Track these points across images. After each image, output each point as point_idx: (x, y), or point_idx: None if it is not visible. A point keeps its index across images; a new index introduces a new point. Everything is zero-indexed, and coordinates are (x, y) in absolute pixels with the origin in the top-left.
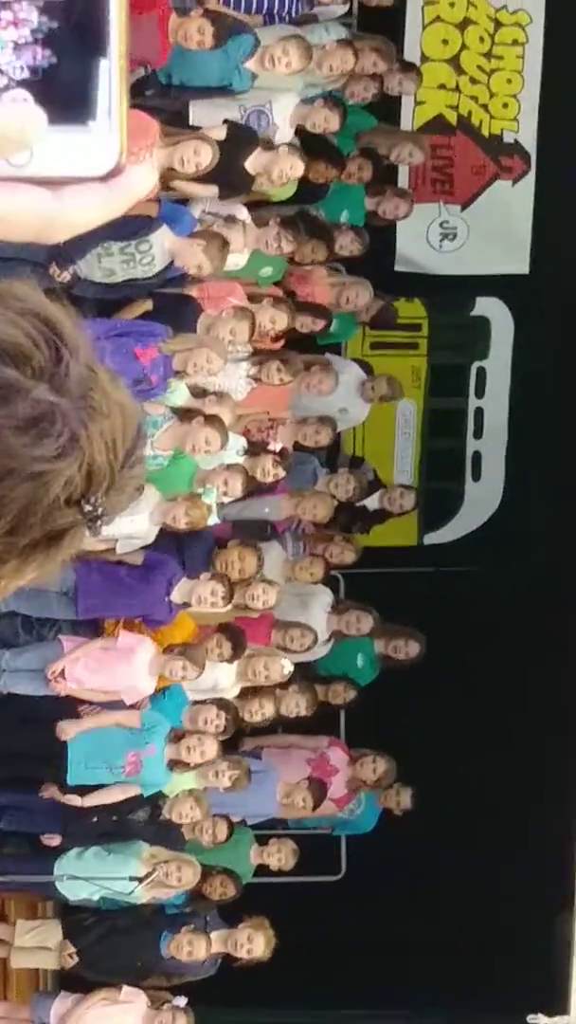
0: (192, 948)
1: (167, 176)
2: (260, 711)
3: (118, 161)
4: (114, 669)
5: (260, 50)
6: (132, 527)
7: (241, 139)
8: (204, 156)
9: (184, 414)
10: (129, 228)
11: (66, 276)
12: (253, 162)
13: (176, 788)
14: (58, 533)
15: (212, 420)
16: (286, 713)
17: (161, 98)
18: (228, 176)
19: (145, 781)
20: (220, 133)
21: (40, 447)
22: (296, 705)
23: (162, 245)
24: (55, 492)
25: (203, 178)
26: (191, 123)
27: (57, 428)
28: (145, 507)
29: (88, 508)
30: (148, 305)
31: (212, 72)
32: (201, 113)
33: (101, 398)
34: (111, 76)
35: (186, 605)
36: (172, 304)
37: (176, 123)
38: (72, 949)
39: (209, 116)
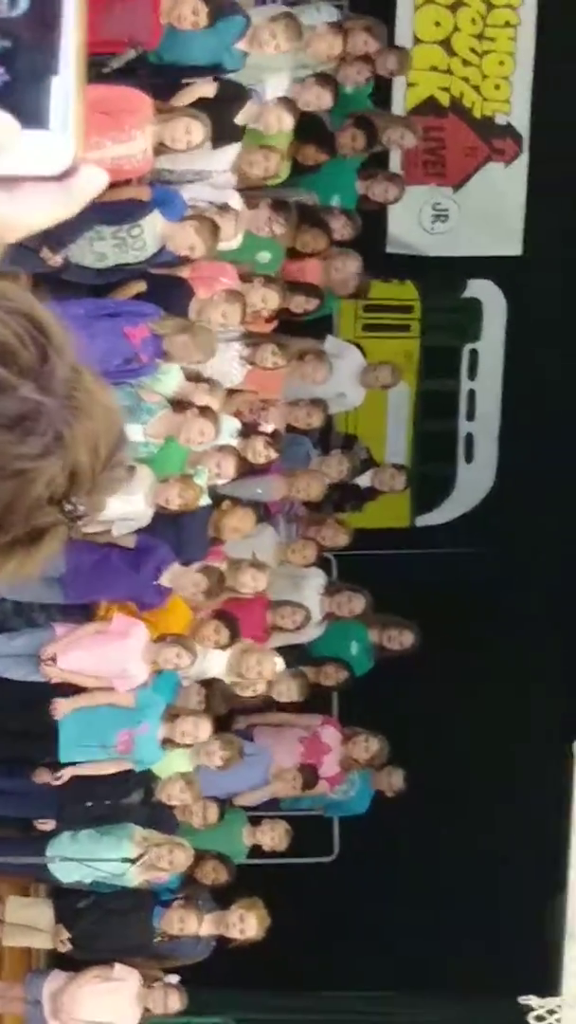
0: (184, 923)
1: (159, 151)
2: (257, 667)
3: (72, 161)
4: (106, 652)
5: (250, 31)
6: (127, 508)
7: (231, 94)
8: (196, 134)
9: (177, 405)
10: (121, 213)
11: (58, 260)
12: (244, 115)
13: (169, 767)
14: (39, 532)
15: (205, 411)
16: (277, 697)
17: (153, 78)
18: (219, 131)
19: (137, 758)
20: (210, 89)
21: (24, 445)
22: (288, 689)
23: (154, 229)
24: (38, 490)
25: None
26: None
27: (42, 427)
28: (140, 488)
29: (70, 508)
30: (141, 286)
31: (203, 52)
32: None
33: (86, 399)
34: (65, 90)
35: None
36: (164, 285)
37: (169, 99)
38: (67, 935)
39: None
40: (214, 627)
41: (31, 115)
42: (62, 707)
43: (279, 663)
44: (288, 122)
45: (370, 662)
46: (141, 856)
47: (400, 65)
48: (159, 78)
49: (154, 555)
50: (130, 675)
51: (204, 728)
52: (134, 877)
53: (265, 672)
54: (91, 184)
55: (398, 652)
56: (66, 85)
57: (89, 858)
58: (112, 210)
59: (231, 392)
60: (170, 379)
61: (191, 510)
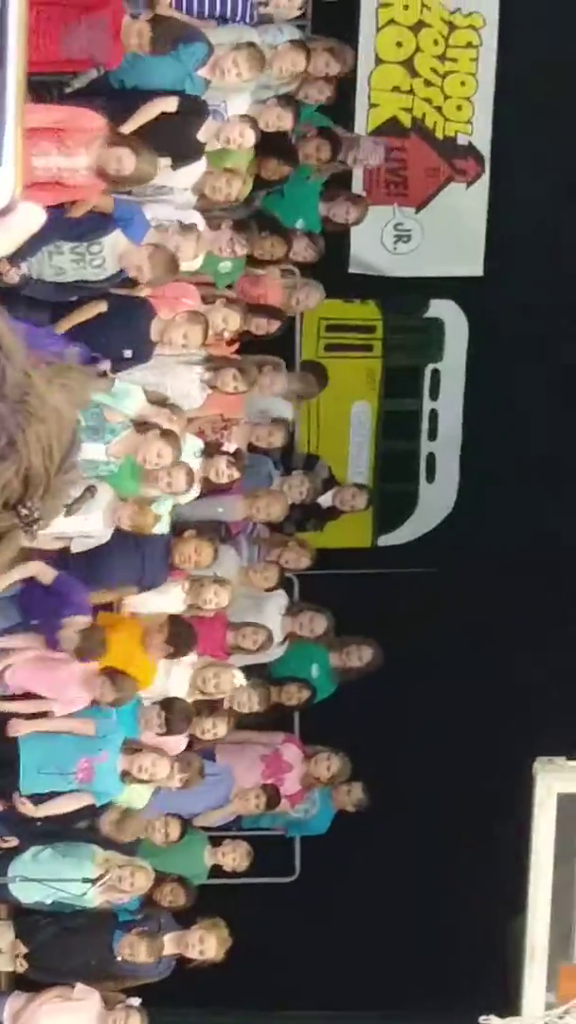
0: (132, 951)
1: (99, 172)
2: (212, 731)
3: (11, 198)
4: (51, 675)
5: (212, 59)
6: (86, 525)
7: (192, 110)
8: (126, 164)
9: (140, 425)
10: (82, 228)
11: (14, 277)
12: (204, 132)
13: (129, 794)
14: None
15: (167, 434)
16: (238, 709)
17: (114, 101)
18: (180, 147)
19: (97, 789)
20: (171, 105)
21: None
22: (248, 699)
23: (114, 249)
24: None
25: (155, 149)
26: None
27: None
28: (98, 506)
29: (24, 512)
30: (102, 307)
31: (164, 79)
32: None
33: (37, 403)
34: (8, 126)
35: None
36: (126, 306)
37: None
38: (23, 950)
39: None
40: (158, 626)
41: None
42: (21, 727)
43: (239, 676)
44: (250, 137)
45: (332, 685)
46: (102, 877)
47: (337, 67)
48: (121, 99)
49: (62, 601)
50: (69, 699)
51: (162, 766)
52: (94, 898)
53: (223, 685)
54: (29, 220)
55: (359, 670)
56: (9, 121)
57: (50, 878)
58: (74, 226)
59: (193, 416)
60: (131, 400)
61: (145, 534)
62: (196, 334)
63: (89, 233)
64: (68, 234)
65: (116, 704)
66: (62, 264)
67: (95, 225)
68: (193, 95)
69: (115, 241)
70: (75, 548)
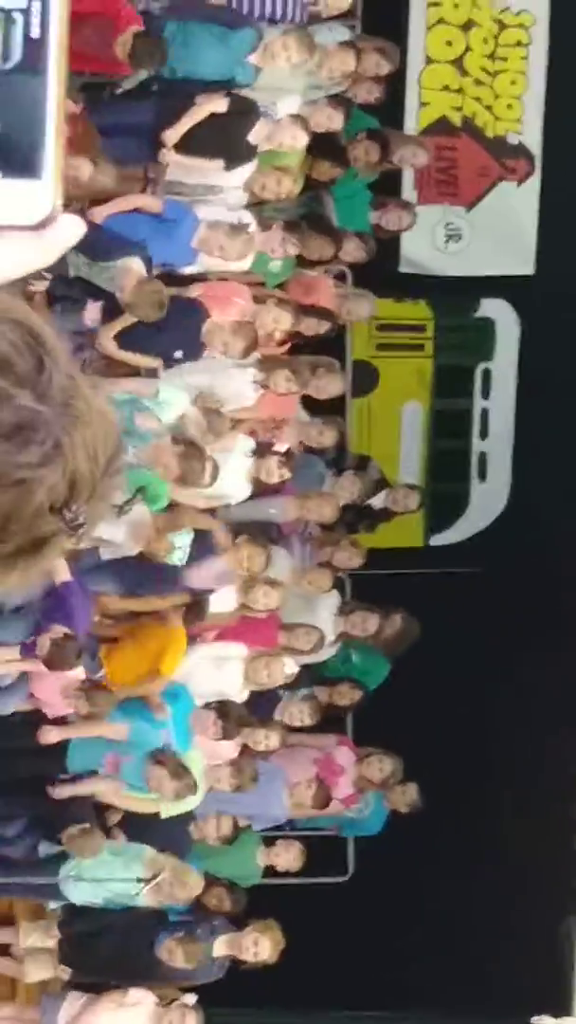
0: (171, 956)
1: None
2: (265, 741)
3: (52, 210)
4: (47, 678)
5: (262, 45)
6: (107, 534)
7: (243, 111)
8: (82, 171)
9: (175, 439)
10: (98, 247)
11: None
12: (256, 133)
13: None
14: (41, 541)
15: (190, 453)
16: (290, 722)
17: (166, 95)
18: (231, 148)
19: (127, 779)
20: (222, 105)
21: (24, 454)
22: (299, 712)
23: (121, 272)
24: (39, 499)
25: (207, 151)
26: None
27: (40, 435)
28: (127, 520)
29: (70, 516)
30: None
31: (215, 66)
32: None
33: (83, 406)
34: (52, 137)
35: None
36: (177, 306)
37: (181, 115)
38: (57, 934)
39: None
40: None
41: (24, 165)
42: (51, 735)
43: (290, 665)
44: (303, 139)
45: (383, 663)
46: (153, 878)
47: (386, 66)
48: (171, 97)
49: (59, 607)
50: (51, 705)
51: (168, 787)
52: (145, 898)
53: (275, 674)
54: (68, 233)
55: (397, 638)
56: (49, 132)
57: (101, 878)
58: (94, 240)
59: (245, 418)
60: (172, 410)
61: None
62: (238, 344)
63: (105, 254)
64: (85, 249)
65: (92, 717)
66: (75, 262)
67: (111, 247)
68: (243, 96)
69: (126, 265)
70: (103, 555)
